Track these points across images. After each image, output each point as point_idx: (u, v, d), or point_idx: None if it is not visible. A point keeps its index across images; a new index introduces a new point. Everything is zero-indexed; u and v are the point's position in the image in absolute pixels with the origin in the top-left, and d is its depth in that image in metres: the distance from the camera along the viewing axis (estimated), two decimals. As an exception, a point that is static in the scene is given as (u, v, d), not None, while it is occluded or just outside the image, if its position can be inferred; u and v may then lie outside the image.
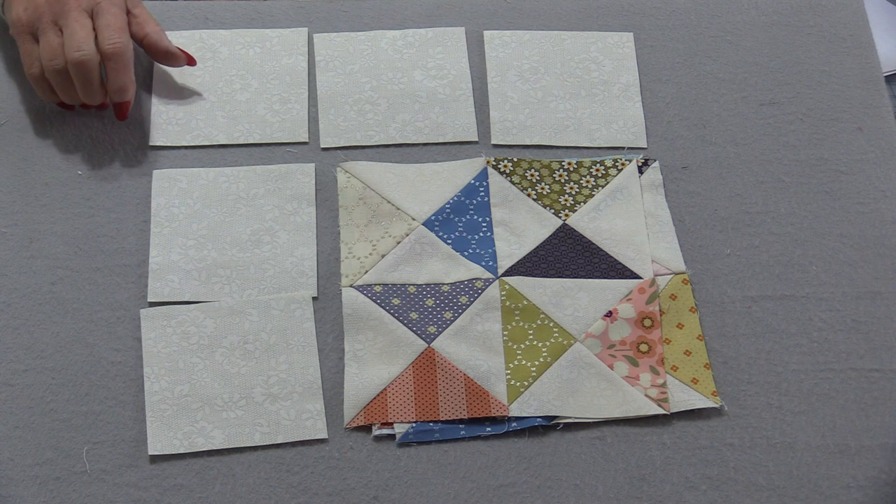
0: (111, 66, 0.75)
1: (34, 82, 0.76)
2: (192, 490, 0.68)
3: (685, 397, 0.73)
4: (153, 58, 0.81)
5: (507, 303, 0.75)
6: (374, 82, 0.84)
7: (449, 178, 0.80)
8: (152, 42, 0.79)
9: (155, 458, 0.69)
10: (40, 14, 0.74)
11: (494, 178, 0.80)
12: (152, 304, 0.74)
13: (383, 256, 0.76)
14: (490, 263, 0.77)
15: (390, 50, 0.86)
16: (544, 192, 0.80)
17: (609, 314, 0.75)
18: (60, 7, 0.73)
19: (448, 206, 0.79)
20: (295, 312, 0.74)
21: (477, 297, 0.75)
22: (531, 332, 0.74)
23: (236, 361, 0.72)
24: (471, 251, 0.77)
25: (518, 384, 0.72)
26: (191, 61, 0.81)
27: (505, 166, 0.81)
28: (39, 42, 0.74)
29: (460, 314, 0.74)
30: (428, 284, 0.76)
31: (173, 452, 0.69)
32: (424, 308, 0.75)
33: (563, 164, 0.81)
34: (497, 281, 0.76)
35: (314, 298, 0.75)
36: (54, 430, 0.70)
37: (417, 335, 0.73)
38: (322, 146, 0.81)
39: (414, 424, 0.71)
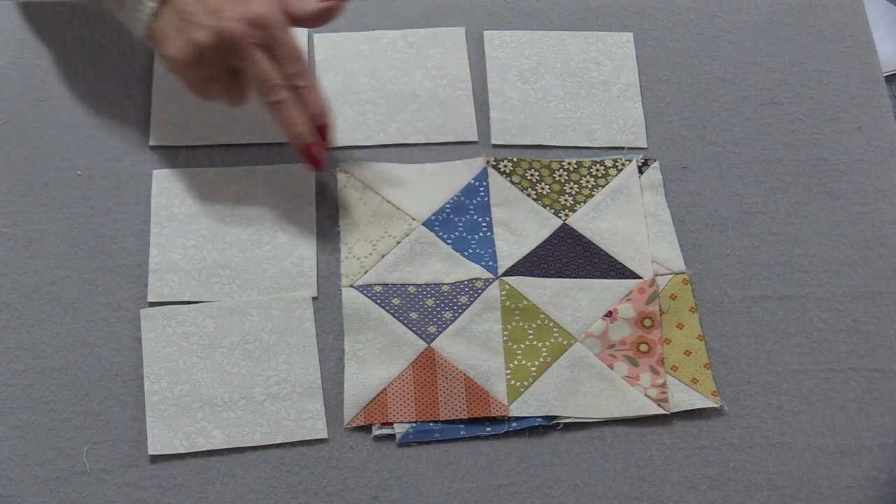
0: (304, 91, 0.71)
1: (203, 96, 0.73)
2: (192, 490, 0.68)
3: (685, 397, 0.73)
4: (310, 27, 0.76)
5: (507, 303, 0.75)
6: (374, 82, 0.84)
7: (449, 178, 0.80)
8: (300, 16, 0.72)
9: (155, 458, 0.69)
10: (210, 57, 0.69)
11: (494, 178, 0.80)
12: (152, 304, 0.74)
13: (383, 256, 0.76)
14: (490, 263, 0.77)
15: (390, 50, 0.86)
16: (544, 192, 0.80)
17: (609, 314, 0.75)
18: (232, 48, 0.68)
19: (448, 206, 0.79)
20: (295, 312, 0.74)
21: (477, 297, 0.75)
22: (531, 332, 0.74)
23: (236, 361, 0.72)
24: (471, 251, 0.77)
25: (518, 384, 0.72)
26: None
27: (505, 166, 0.81)
28: (215, 85, 0.71)
29: (460, 314, 0.74)
30: (428, 284, 0.76)
31: (173, 452, 0.69)
32: (424, 308, 0.75)
33: (563, 164, 0.81)
34: (497, 281, 0.76)
35: (314, 298, 0.75)
36: (54, 430, 0.70)
37: (417, 335, 0.73)
38: None
39: (414, 424, 0.71)
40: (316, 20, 0.73)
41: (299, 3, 0.72)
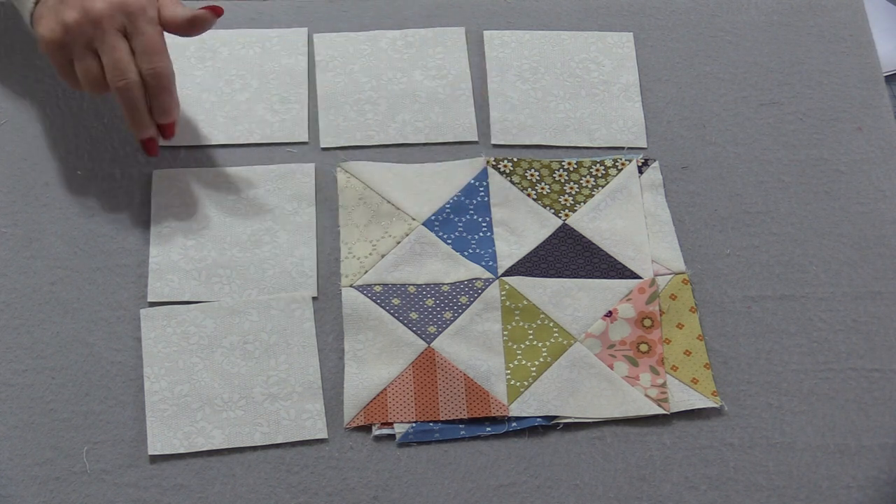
0: (154, 88, 0.72)
1: (89, 87, 0.72)
2: (192, 490, 0.68)
3: (685, 397, 0.73)
4: (182, 35, 0.74)
5: (507, 303, 0.75)
6: (374, 82, 0.84)
7: (449, 178, 0.80)
8: (169, 21, 0.73)
9: (155, 458, 0.69)
10: (73, 36, 0.69)
11: (494, 178, 0.80)
12: (152, 304, 0.74)
13: (383, 256, 0.76)
14: (490, 263, 0.77)
15: (390, 50, 0.86)
16: (544, 192, 0.80)
17: (609, 314, 0.75)
18: (94, 29, 0.70)
19: (448, 206, 0.79)
20: (295, 312, 0.74)
21: (477, 297, 0.75)
22: (531, 332, 0.74)
23: (236, 361, 0.72)
24: (471, 251, 0.77)
25: (518, 384, 0.72)
26: (217, 10, 0.73)
27: (505, 166, 0.81)
28: (77, 66, 0.71)
29: (460, 314, 0.74)
30: (428, 284, 0.76)
31: (173, 452, 0.69)
32: (424, 308, 0.75)
33: (563, 163, 0.81)
34: (497, 281, 0.76)
35: (314, 298, 0.75)
36: (54, 429, 0.70)
37: (417, 335, 0.73)
38: (322, 146, 0.81)
39: (414, 424, 0.71)
40: (186, 28, 0.73)
41: (172, 7, 0.72)
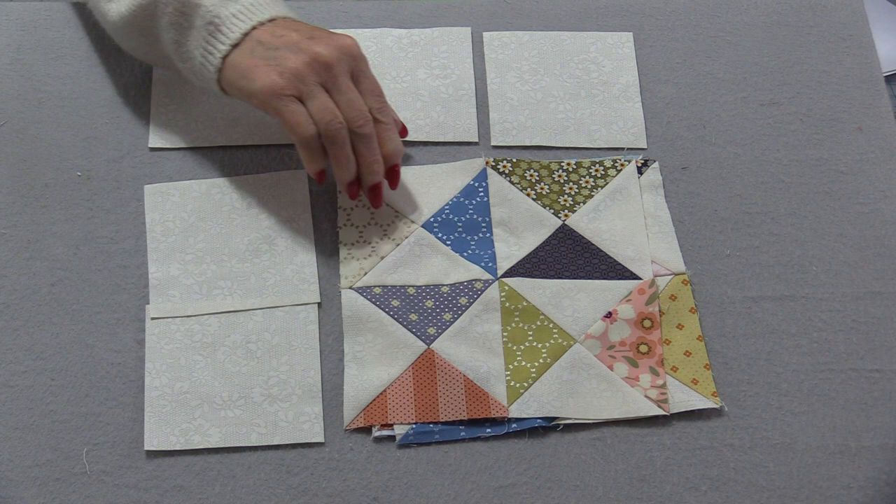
0: (383, 127, 0.73)
1: (305, 145, 0.71)
2: (192, 491, 0.68)
3: (685, 398, 0.73)
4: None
5: (507, 304, 0.75)
6: (378, 79, 0.84)
7: (448, 180, 0.80)
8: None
9: (154, 459, 0.69)
10: (303, 77, 0.70)
11: (494, 179, 0.80)
12: (154, 320, 0.73)
13: (382, 258, 0.76)
14: (489, 264, 0.77)
15: (395, 48, 0.86)
16: (544, 193, 0.80)
17: (609, 315, 0.75)
18: (326, 72, 0.70)
19: (447, 207, 0.79)
20: (300, 315, 0.74)
21: (476, 298, 0.75)
22: (531, 333, 0.74)
23: (238, 360, 0.72)
24: (470, 252, 0.77)
25: (518, 385, 0.72)
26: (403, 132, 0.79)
27: (504, 167, 0.81)
28: (310, 105, 0.70)
29: (460, 315, 0.74)
30: (427, 286, 0.76)
31: (169, 449, 0.69)
32: (424, 309, 0.75)
33: (563, 164, 0.81)
34: (497, 282, 0.76)
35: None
36: (54, 431, 0.70)
37: (417, 336, 0.73)
38: None
39: (414, 426, 0.71)
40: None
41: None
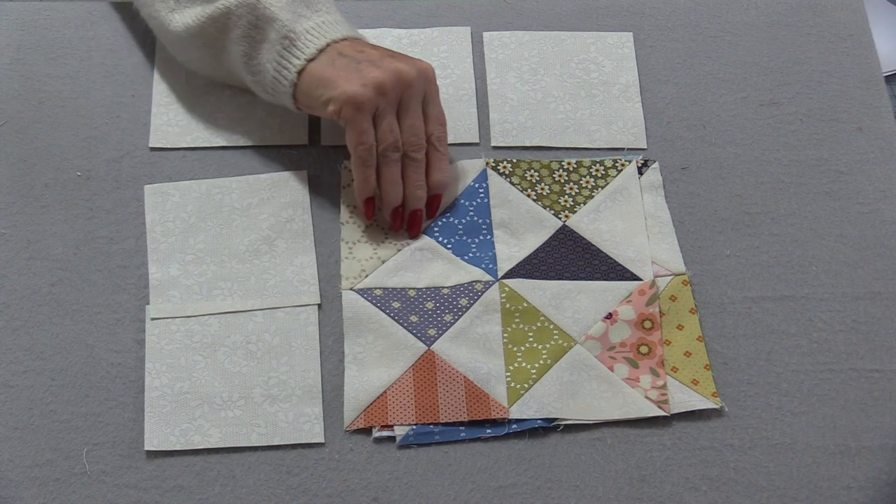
0: (436, 153, 0.75)
1: (361, 160, 0.73)
2: (192, 491, 0.68)
3: (685, 398, 0.73)
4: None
5: (507, 305, 0.75)
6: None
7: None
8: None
9: (154, 459, 0.69)
10: (385, 91, 0.71)
11: (494, 180, 0.80)
12: (154, 320, 0.73)
13: (384, 262, 0.76)
14: (490, 266, 0.77)
15: (395, 48, 0.86)
16: (544, 193, 0.80)
17: (609, 316, 0.75)
18: (404, 90, 0.72)
19: (447, 208, 0.79)
20: (300, 315, 0.74)
21: (477, 299, 0.75)
22: (531, 334, 0.74)
23: (238, 361, 0.72)
24: (471, 254, 0.77)
25: (518, 386, 0.72)
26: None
27: (504, 167, 0.81)
28: (380, 123, 0.72)
29: (460, 317, 0.74)
30: (428, 288, 0.76)
31: (169, 449, 0.69)
32: (424, 311, 0.74)
33: (563, 164, 0.81)
34: (497, 283, 0.76)
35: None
36: (54, 431, 0.70)
37: (417, 338, 0.73)
38: (323, 143, 0.81)
39: (414, 427, 0.71)
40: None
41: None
